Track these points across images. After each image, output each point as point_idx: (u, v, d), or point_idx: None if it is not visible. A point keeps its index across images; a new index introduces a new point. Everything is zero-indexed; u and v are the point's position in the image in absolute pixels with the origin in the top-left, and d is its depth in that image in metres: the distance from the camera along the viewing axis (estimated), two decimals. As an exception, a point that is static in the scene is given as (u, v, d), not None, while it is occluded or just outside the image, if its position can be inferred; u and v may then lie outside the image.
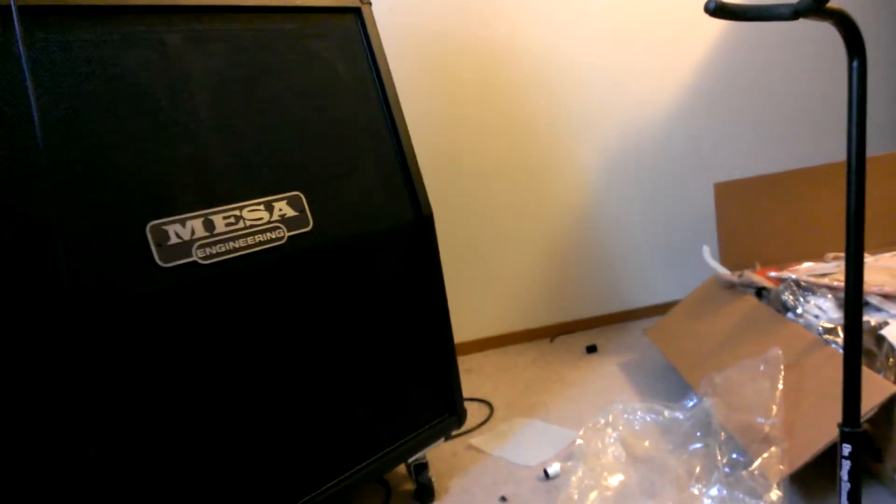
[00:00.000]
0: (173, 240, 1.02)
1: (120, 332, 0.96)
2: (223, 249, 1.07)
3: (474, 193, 2.28)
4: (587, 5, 2.19)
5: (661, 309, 2.42)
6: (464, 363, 2.30)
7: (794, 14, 0.82)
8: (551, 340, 2.39)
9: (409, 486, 1.54)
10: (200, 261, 1.04)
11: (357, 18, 1.33)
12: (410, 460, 1.45)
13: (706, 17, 2.16)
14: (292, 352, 1.18)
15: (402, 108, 1.38)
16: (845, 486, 0.95)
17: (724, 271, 1.88)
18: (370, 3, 1.34)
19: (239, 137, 1.13)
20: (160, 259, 1.00)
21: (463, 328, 2.38)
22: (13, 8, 0.89)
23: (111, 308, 0.95)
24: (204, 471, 1.06)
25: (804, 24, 2.27)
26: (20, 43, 0.90)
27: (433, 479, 1.51)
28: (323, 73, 1.26)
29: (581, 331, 2.44)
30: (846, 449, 0.94)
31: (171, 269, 1.01)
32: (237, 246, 1.09)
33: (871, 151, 2.12)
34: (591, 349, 2.22)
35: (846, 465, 0.95)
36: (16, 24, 0.89)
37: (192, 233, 1.04)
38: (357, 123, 1.30)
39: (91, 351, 0.93)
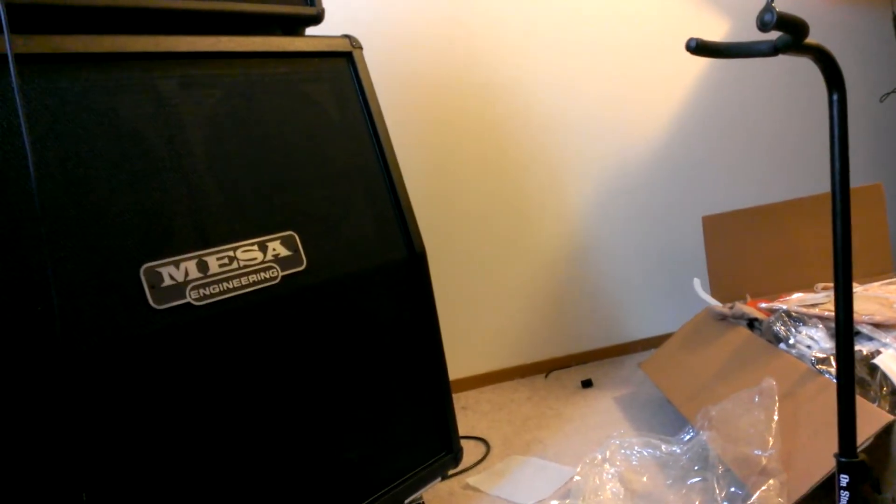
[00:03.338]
0: (167, 282, 1.02)
1: (114, 374, 0.95)
2: (217, 290, 1.07)
3: (466, 229, 2.30)
4: (576, 46, 2.24)
5: (654, 342, 2.42)
6: (459, 400, 2.28)
7: (774, 50, 0.84)
8: (546, 376, 2.38)
9: (406, 527, 1.52)
10: (194, 302, 1.04)
11: (349, 62, 1.36)
12: (406, 501, 1.42)
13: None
14: (285, 392, 1.17)
15: (394, 147, 1.40)
16: (845, 518, 0.95)
17: (715, 303, 1.89)
18: (361, 48, 1.37)
19: (233, 179, 1.14)
20: (154, 301, 1.00)
21: (457, 365, 2.36)
22: (10, 55, 0.90)
23: (105, 351, 0.94)
24: (197, 516, 1.05)
25: (786, 59, 2.33)
26: (16, 90, 0.91)
27: (430, 520, 1.49)
28: (315, 116, 1.28)
29: (576, 365, 2.43)
30: (844, 479, 0.94)
31: (165, 310, 1.01)
32: (231, 286, 1.09)
33: (854, 182, 2.14)
34: (587, 384, 2.21)
35: (844, 496, 0.94)
36: (12, 71, 0.90)
37: (186, 274, 1.04)
38: (349, 163, 1.31)
39: (84, 394, 0.92)
